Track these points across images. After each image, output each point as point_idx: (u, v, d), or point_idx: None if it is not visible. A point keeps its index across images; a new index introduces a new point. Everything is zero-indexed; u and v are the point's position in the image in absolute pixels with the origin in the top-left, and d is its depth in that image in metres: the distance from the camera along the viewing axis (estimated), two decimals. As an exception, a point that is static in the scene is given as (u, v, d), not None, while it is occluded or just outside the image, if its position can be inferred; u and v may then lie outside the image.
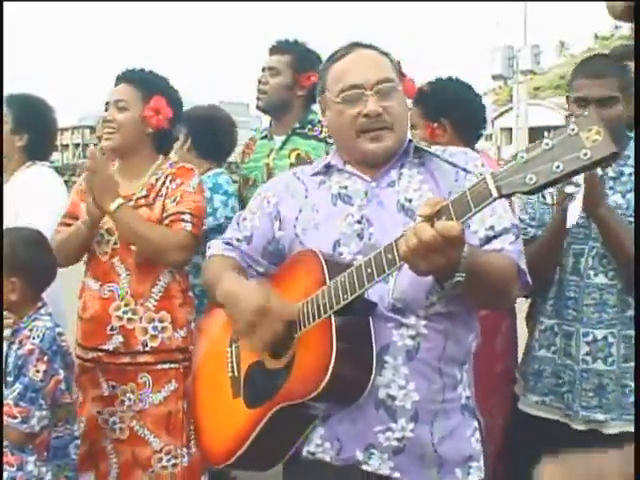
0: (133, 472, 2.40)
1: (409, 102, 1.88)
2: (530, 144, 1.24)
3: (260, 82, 3.01)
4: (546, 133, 1.20)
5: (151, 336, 2.38)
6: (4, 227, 2.37)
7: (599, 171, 2.03)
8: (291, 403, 1.50)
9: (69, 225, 2.47)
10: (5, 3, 2.73)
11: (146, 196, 2.41)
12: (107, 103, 2.47)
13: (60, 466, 2.22)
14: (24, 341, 2.16)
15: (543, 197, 2.25)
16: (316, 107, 2.27)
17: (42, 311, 2.25)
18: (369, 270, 1.42)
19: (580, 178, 1.97)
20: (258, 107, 3.06)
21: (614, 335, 2.14)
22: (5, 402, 2.10)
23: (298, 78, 2.94)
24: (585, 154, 1.14)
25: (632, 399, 2.12)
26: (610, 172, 2.17)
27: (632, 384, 2.12)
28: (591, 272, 2.16)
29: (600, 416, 2.14)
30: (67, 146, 56.14)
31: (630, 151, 2.18)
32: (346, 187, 1.68)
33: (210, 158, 3.20)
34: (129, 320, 2.37)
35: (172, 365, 2.40)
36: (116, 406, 2.40)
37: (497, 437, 2.34)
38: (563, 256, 2.19)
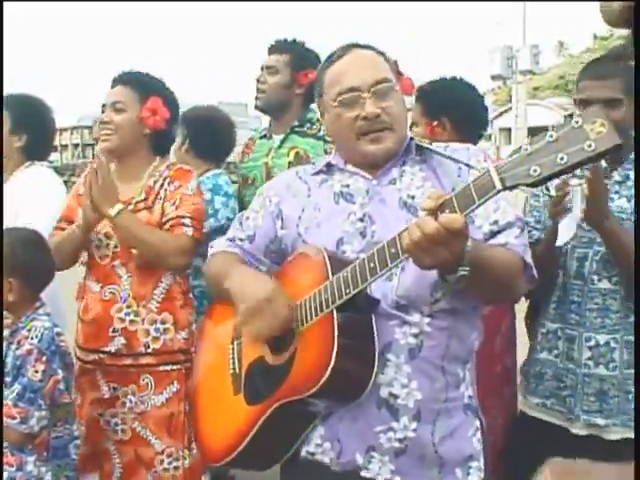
0: (137, 471, 2.40)
1: (409, 100, 1.87)
2: (534, 137, 1.23)
3: (259, 81, 3.00)
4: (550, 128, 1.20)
5: (153, 338, 2.38)
6: (4, 227, 2.36)
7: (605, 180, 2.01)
8: (291, 399, 1.49)
9: (64, 229, 2.46)
10: (5, 3, 2.74)
11: (145, 199, 2.41)
12: (103, 105, 2.47)
13: (60, 466, 2.22)
14: (22, 341, 2.15)
15: (547, 189, 2.22)
16: (315, 105, 2.26)
17: (40, 311, 2.24)
18: (372, 264, 1.40)
19: (579, 180, 1.96)
20: (257, 106, 3.05)
21: (617, 341, 2.12)
22: (4, 403, 2.10)
23: (297, 77, 2.94)
24: (589, 145, 1.13)
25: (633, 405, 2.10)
26: (616, 176, 2.16)
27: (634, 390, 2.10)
28: (595, 277, 2.14)
29: (601, 421, 2.13)
30: (66, 146, 56.10)
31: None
32: (348, 185, 1.67)
33: (209, 159, 3.19)
34: (131, 322, 2.37)
35: (174, 366, 2.40)
36: (117, 408, 2.39)
37: (497, 437, 2.34)
38: (567, 260, 2.18)
